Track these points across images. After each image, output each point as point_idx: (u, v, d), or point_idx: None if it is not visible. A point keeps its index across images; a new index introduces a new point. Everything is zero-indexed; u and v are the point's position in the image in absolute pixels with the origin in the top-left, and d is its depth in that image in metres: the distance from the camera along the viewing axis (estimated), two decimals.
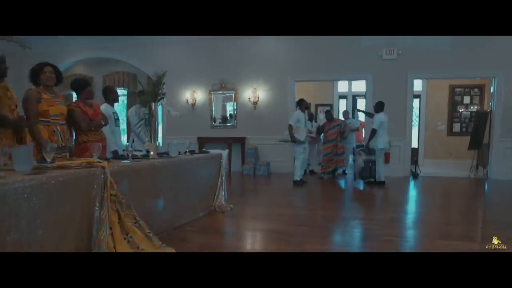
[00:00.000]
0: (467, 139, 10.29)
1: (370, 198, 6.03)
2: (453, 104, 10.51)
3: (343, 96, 11.20)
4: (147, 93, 3.74)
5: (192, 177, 4.15)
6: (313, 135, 8.00)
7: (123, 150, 3.70)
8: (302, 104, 6.77)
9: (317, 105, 11.19)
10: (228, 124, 9.05)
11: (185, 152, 4.44)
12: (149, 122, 3.99)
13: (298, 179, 6.76)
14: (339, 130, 7.60)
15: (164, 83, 3.68)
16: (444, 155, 10.52)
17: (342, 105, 11.15)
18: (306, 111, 7.74)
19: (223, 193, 4.70)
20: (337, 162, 7.59)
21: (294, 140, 6.64)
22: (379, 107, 6.77)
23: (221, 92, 9.02)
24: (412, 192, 6.69)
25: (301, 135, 6.65)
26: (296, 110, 6.96)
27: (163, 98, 3.67)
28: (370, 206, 5.47)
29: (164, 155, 3.96)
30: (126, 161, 3.24)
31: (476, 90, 10.38)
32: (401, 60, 7.96)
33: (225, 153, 5.34)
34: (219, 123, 9.13)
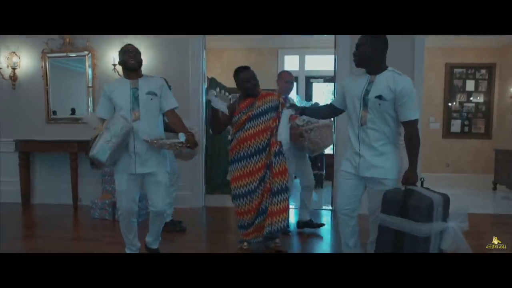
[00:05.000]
0: (471, 143, 7.02)
1: None
2: (451, 92, 7.09)
3: None
4: None
5: None
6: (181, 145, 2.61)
7: None
8: None
9: None
10: (78, 117, 4.79)
11: None
12: None
13: (155, 246, 2.78)
14: (275, 121, 2.79)
15: None
16: (440, 166, 7.07)
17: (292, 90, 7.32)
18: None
19: None
20: (274, 214, 2.72)
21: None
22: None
23: (64, 54, 4.74)
24: None
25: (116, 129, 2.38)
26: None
27: None
28: None
29: None
30: None
31: (483, 71, 7.03)
32: None
33: None
34: (64, 114, 4.85)
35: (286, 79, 3.57)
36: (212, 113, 2.87)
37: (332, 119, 3.44)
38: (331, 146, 3.46)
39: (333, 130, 3.34)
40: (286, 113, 2.68)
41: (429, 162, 7.00)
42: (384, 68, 2.24)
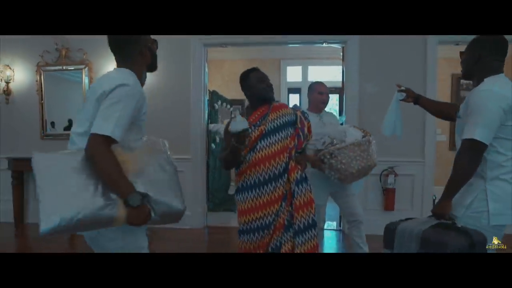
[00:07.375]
0: None
1: None
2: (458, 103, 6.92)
3: (294, 90, 7.22)
4: None
5: None
6: None
7: None
8: None
9: None
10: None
11: None
12: None
13: None
14: (294, 139, 2.22)
15: None
16: (446, 180, 6.82)
17: (294, 102, 7.18)
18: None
19: None
20: None
21: None
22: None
23: (60, 67, 4.57)
24: None
25: None
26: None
27: None
28: None
29: None
30: None
31: None
32: None
33: None
34: (60, 129, 4.66)
35: (320, 89, 3.05)
36: (237, 140, 1.97)
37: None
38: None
39: (372, 147, 2.68)
40: (397, 97, 2.16)
41: (436, 178, 6.80)
42: (482, 79, 1.75)
